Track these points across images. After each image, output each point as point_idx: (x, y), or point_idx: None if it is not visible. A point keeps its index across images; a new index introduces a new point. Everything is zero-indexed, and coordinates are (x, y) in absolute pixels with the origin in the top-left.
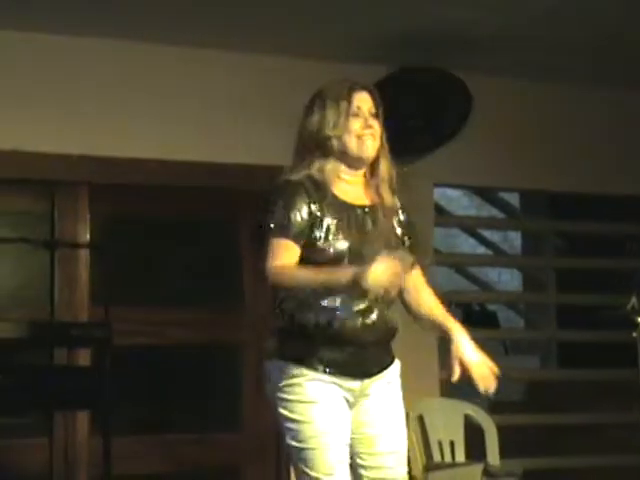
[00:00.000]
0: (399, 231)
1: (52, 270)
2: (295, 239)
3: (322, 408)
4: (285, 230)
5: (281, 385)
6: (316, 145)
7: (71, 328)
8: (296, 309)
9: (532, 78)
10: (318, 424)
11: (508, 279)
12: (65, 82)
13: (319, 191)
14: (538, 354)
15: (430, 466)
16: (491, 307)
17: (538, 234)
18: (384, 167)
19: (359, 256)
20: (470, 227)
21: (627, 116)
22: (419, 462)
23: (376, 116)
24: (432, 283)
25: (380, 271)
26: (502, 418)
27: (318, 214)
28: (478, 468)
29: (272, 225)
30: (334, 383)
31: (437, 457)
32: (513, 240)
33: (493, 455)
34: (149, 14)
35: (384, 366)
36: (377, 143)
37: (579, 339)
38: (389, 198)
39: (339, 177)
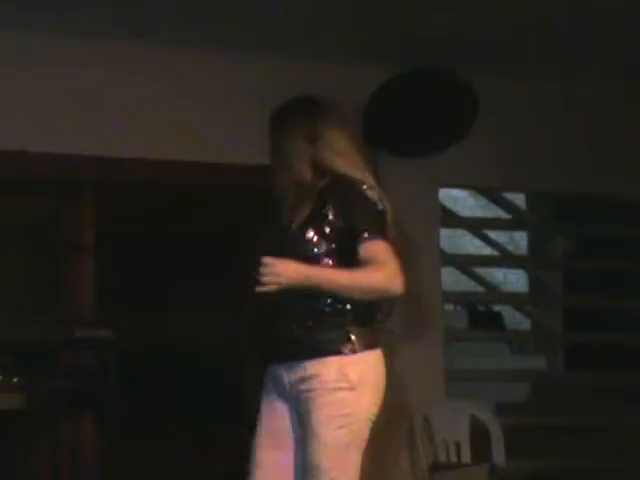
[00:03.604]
0: None
1: (57, 271)
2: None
3: None
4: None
5: None
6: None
7: (76, 330)
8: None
9: (538, 79)
10: None
11: (514, 280)
12: (71, 83)
13: None
14: (544, 355)
15: (436, 467)
16: (497, 308)
17: (544, 235)
18: None
19: None
20: (476, 228)
21: (635, 116)
22: (424, 463)
23: None
24: (438, 284)
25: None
26: (508, 419)
27: None
28: (484, 469)
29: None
30: None
31: (443, 458)
32: (519, 241)
33: (499, 456)
34: (150, 16)
35: None
36: None
37: (585, 340)
38: None
39: None
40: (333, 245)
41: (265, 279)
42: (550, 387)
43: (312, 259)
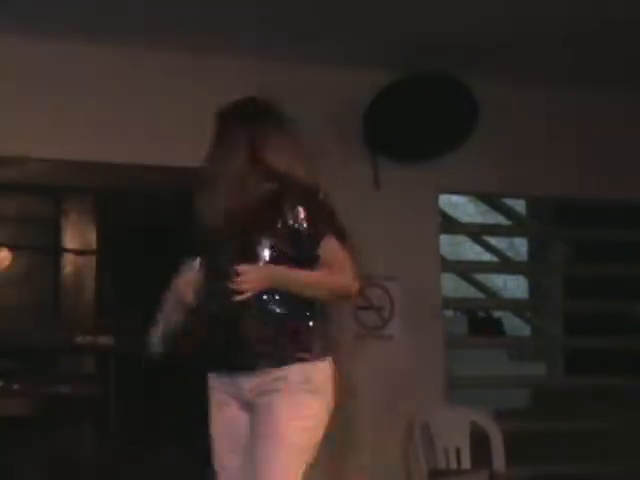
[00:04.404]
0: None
1: (58, 277)
2: None
3: None
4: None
5: None
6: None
7: (76, 336)
8: None
9: (538, 85)
10: None
11: (514, 286)
12: (73, 89)
13: None
14: (544, 361)
15: (435, 473)
16: (497, 314)
17: (544, 241)
18: None
19: None
20: (476, 234)
21: (634, 121)
22: (424, 469)
23: None
24: (438, 290)
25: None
26: (508, 425)
27: None
28: (484, 475)
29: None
30: None
31: (443, 464)
32: (519, 247)
33: (499, 462)
34: (152, 20)
35: None
36: None
37: (585, 346)
38: None
39: None
40: (291, 248)
41: (242, 287)
42: (550, 393)
43: (272, 262)
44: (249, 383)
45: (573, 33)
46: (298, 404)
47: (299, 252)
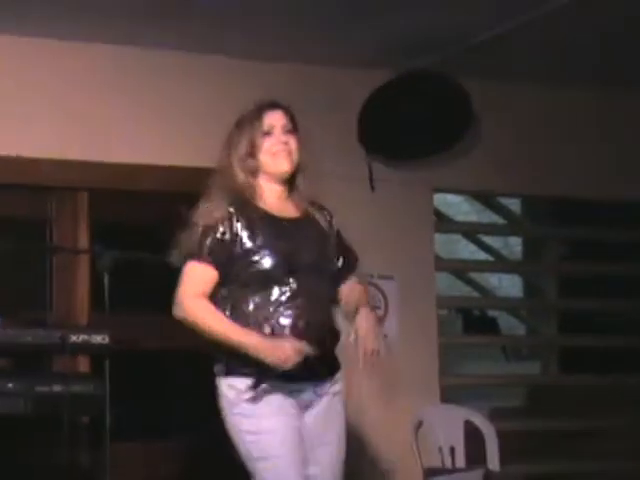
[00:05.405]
0: (335, 246)
1: (51, 276)
2: (213, 261)
3: None
4: (201, 253)
5: None
6: (240, 167)
7: (70, 335)
8: None
9: (533, 83)
10: None
11: (509, 285)
12: (66, 89)
13: (245, 208)
14: (539, 360)
15: (430, 471)
16: (492, 313)
17: (539, 240)
18: (300, 181)
19: (288, 267)
20: (471, 233)
21: (630, 120)
22: (419, 468)
23: (291, 132)
24: (433, 289)
25: (287, 351)
26: (503, 424)
27: (246, 232)
28: (478, 474)
29: (188, 249)
30: None
31: (437, 463)
32: (514, 246)
33: (493, 461)
34: (149, 19)
35: None
36: (293, 158)
37: (580, 344)
38: (312, 210)
39: (263, 193)
40: None
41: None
42: (545, 392)
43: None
44: (314, 390)
45: (570, 31)
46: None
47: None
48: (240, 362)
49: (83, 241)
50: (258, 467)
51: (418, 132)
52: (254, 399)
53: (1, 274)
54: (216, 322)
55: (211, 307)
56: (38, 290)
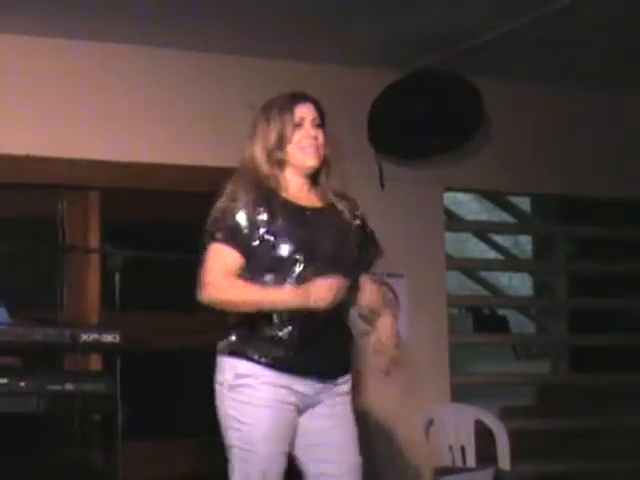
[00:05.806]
0: (357, 237)
1: (62, 275)
2: (237, 245)
3: None
4: (229, 236)
5: None
6: (266, 157)
7: (81, 333)
8: None
9: (544, 82)
10: None
11: (519, 284)
12: (77, 88)
13: (268, 195)
14: (549, 358)
15: (440, 471)
16: (502, 312)
17: (549, 238)
18: (325, 175)
19: (305, 255)
20: (481, 232)
21: (636, 120)
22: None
23: (320, 126)
24: (443, 288)
25: (324, 288)
26: (513, 423)
27: (266, 218)
28: (489, 473)
29: (213, 231)
30: None
31: (448, 462)
32: (524, 245)
33: (504, 460)
34: (163, 18)
35: None
36: (320, 153)
37: (590, 343)
38: (337, 202)
39: (287, 185)
40: None
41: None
42: (555, 391)
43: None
44: (324, 386)
45: (576, 31)
46: None
47: None
48: (252, 346)
49: (94, 240)
50: (234, 453)
51: (428, 131)
52: (251, 386)
53: (12, 273)
54: (248, 292)
55: (240, 281)
56: (49, 289)
